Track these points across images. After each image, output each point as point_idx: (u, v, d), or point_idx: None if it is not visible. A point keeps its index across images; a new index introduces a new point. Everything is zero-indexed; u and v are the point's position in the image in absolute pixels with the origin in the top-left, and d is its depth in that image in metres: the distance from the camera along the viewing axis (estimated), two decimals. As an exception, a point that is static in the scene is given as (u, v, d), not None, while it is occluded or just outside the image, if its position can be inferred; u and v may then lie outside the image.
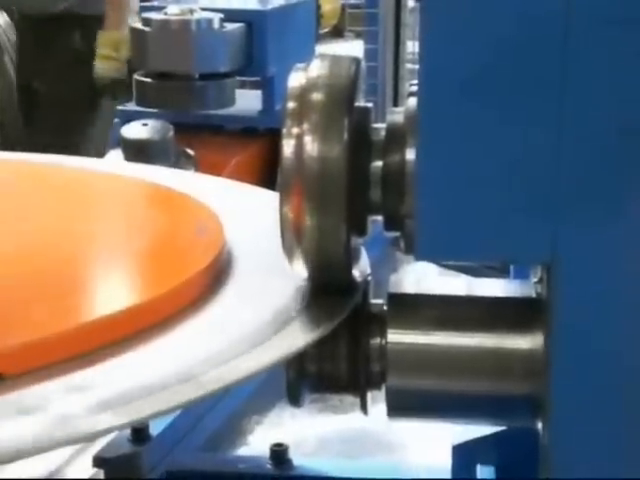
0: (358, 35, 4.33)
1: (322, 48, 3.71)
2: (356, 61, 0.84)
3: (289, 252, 0.83)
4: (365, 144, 0.82)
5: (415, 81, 0.77)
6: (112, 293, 0.87)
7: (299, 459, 1.24)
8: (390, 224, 0.84)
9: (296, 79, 0.83)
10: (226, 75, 2.62)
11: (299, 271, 0.84)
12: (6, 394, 0.67)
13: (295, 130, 0.80)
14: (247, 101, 2.73)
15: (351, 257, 0.83)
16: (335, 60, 0.84)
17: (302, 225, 0.80)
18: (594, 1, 0.71)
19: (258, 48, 2.64)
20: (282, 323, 0.80)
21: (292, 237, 0.81)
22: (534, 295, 0.86)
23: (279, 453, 1.23)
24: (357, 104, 0.82)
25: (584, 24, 0.71)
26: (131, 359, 0.73)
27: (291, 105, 0.81)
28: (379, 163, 0.82)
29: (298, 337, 0.79)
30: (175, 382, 0.69)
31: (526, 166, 0.74)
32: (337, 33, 5.22)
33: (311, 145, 0.79)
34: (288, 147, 0.80)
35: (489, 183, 0.74)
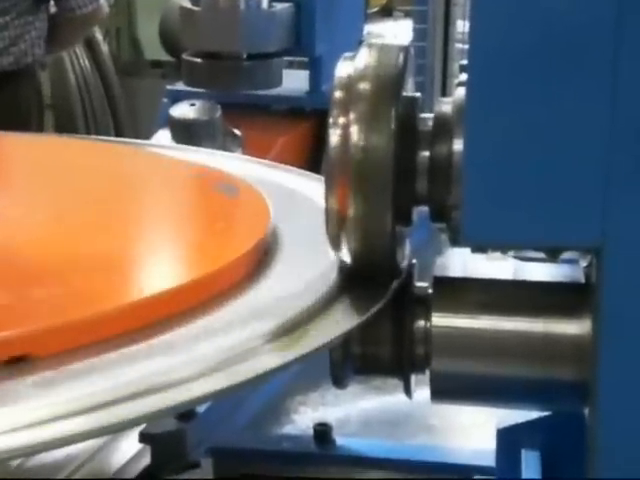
0: (407, 14, 4.29)
1: (371, 28, 3.69)
2: (404, 50, 0.84)
3: (333, 240, 0.83)
4: (412, 134, 0.82)
5: (464, 61, 0.76)
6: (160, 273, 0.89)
7: (342, 439, 1.24)
8: (436, 215, 0.83)
9: (344, 69, 0.82)
10: (274, 55, 2.61)
11: (343, 258, 0.84)
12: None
13: (342, 120, 0.80)
14: (294, 81, 2.72)
15: (395, 246, 0.83)
16: (383, 49, 0.83)
17: (347, 214, 0.80)
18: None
19: (306, 28, 2.63)
20: (324, 307, 0.80)
21: (337, 225, 0.81)
22: (583, 280, 0.85)
23: (322, 433, 1.23)
24: (405, 94, 0.82)
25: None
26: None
27: (338, 95, 0.81)
28: (426, 153, 0.82)
29: (341, 322, 0.79)
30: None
31: (575, 150, 0.73)
32: (386, 12, 5.18)
33: (358, 135, 0.79)
34: (335, 136, 0.80)
35: (537, 167, 0.74)
